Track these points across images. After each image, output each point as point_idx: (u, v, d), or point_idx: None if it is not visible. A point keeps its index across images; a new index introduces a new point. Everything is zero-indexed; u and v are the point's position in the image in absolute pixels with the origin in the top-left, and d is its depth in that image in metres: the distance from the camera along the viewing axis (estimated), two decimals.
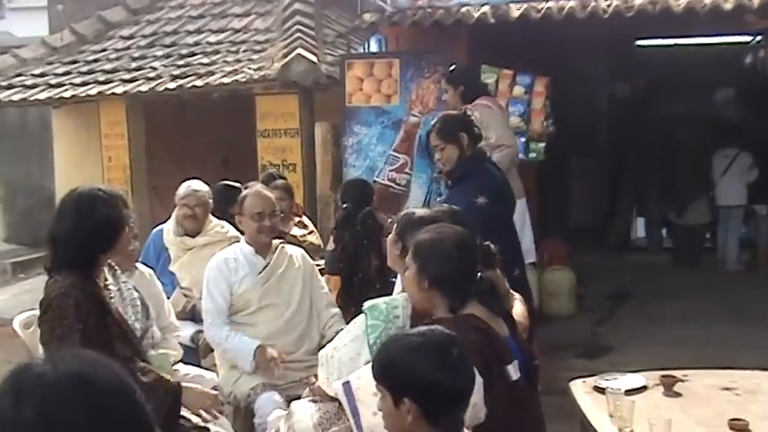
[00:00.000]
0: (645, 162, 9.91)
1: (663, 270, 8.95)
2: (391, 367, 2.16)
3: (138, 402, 1.38)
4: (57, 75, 8.54)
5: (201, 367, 4.42)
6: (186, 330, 4.70)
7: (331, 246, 5.19)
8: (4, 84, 8.52)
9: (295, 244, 4.84)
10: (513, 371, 2.74)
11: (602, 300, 7.81)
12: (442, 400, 2.12)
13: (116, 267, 3.57)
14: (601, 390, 3.35)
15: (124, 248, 3.46)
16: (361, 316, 3.15)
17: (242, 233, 4.55)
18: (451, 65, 5.75)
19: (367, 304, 3.16)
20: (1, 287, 9.86)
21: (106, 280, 3.40)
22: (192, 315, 4.88)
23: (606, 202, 10.29)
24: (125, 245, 3.42)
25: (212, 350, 4.55)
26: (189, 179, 5.31)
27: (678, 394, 3.34)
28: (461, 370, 2.14)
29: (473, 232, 2.93)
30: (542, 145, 6.66)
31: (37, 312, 3.72)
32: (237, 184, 5.67)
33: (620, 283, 8.18)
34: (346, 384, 2.79)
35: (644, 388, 3.40)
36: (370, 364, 2.31)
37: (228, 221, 5.11)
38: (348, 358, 3.12)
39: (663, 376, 3.40)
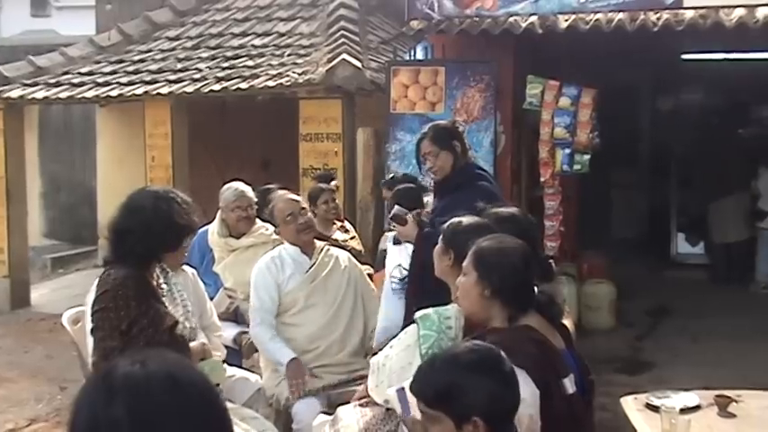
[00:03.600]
0: (685, 176, 9.82)
1: (703, 287, 8.83)
2: (452, 390, 2.12)
3: (221, 402, 1.40)
4: (104, 74, 8.65)
5: (243, 368, 4.44)
6: (229, 331, 4.72)
7: (384, 245, 5.14)
8: (52, 81, 8.64)
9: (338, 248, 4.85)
10: (570, 384, 2.71)
11: (643, 315, 7.72)
12: (507, 414, 2.13)
13: (167, 269, 3.61)
14: (653, 407, 3.31)
15: (183, 253, 3.51)
16: (414, 325, 3.14)
17: None
18: None
19: (419, 314, 3.15)
20: (40, 282, 9.97)
21: (158, 278, 3.45)
22: (236, 316, 4.90)
23: (647, 215, 10.19)
24: (185, 250, 3.49)
25: (255, 351, 4.57)
26: (229, 181, 5.33)
27: (732, 415, 3.28)
28: (516, 380, 2.17)
29: (532, 240, 2.90)
30: (587, 157, 6.58)
31: (85, 308, 3.78)
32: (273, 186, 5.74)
33: (660, 299, 8.08)
34: (401, 391, 2.78)
35: (698, 407, 3.35)
36: (416, 392, 2.27)
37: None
38: (399, 367, 3.12)
39: (717, 396, 3.35)
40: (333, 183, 6.08)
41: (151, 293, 3.33)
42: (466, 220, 3.30)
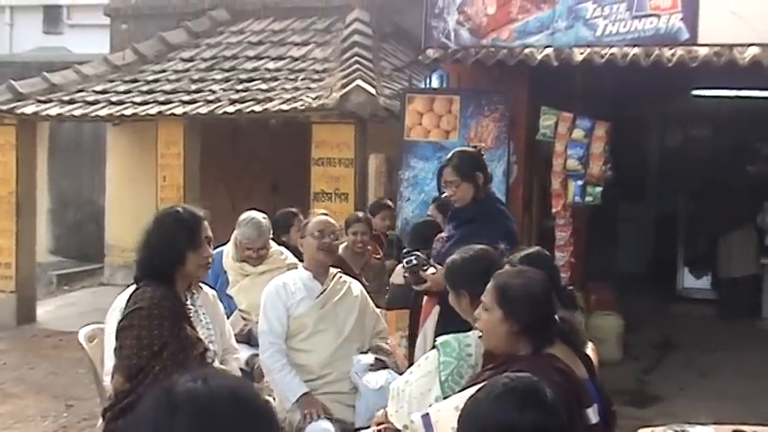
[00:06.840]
0: (693, 212, 9.86)
1: (710, 321, 8.83)
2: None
3: (278, 421, 1.42)
4: (118, 92, 8.71)
5: None
6: (242, 354, 4.70)
7: (399, 280, 5.04)
8: (66, 99, 8.69)
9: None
10: (593, 415, 2.71)
11: (649, 348, 7.72)
12: None
13: (194, 290, 3.60)
14: None
15: (196, 269, 3.45)
16: (434, 351, 3.16)
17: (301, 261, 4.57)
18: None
19: (439, 340, 3.17)
20: (45, 298, 9.95)
21: (186, 299, 3.44)
22: (249, 338, 4.90)
23: (654, 249, 10.21)
24: (195, 266, 3.40)
25: None
26: (249, 209, 5.31)
27: None
28: (559, 408, 2.09)
29: (552, 272, 2.91)
30: (599, 189, 6.63)
31: (105, 326, 3.77)
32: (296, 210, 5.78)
33: (666, 332, 8.08)
34: (425, 417, 2.79)
35: None
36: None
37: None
38: (419, 393, 3.13)
39: (734, 431, 3.35)
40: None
41: (185, 316, 3.30)
42: (462, 254, 3.37)
